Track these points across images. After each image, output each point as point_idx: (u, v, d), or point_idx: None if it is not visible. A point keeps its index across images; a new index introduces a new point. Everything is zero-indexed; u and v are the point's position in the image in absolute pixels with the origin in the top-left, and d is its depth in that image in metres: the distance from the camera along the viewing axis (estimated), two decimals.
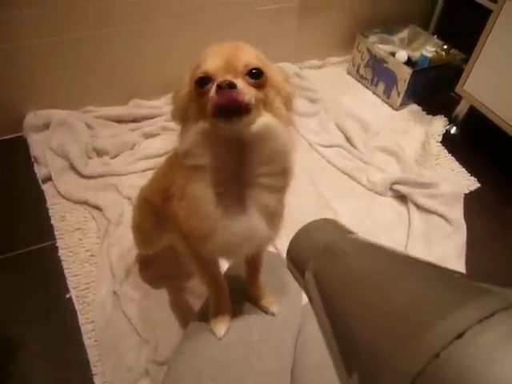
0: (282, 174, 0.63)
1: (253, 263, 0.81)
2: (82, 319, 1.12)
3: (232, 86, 0.50)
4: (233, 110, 0.51)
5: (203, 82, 0.54)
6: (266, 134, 0.56)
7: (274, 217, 0.65)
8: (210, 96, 0.51)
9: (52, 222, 1.33)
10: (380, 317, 0.23)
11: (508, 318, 0.18)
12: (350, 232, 0.34)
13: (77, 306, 1.14)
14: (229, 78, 0.51)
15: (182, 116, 0.61)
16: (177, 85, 0.60)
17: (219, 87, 0.50)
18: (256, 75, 0.54)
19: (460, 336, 0.18)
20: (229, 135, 0.56)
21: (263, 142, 0.57)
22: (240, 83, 0.51)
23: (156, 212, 0.89)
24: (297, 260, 0.34)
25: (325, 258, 0.31)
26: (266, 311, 0.79)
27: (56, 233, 1.31)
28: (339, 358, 0.25)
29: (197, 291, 1.16)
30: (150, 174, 1.47)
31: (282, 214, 0.68)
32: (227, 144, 0.57)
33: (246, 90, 0.51)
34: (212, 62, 0.54)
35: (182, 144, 0.60)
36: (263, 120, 0.56)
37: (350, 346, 0.24)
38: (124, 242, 1.26)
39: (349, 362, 0.24)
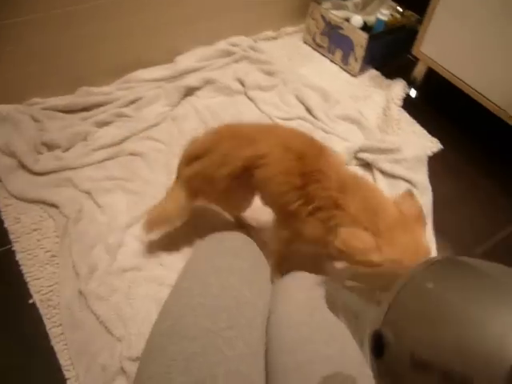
0: None
1: None
2: (48, 324, 1.07)
3: None
4: None
5: None
6: None
7: None
8: None
9: (5, 225, 1.25)
10: None
11: None
12: None
13: (41, 311, 1.09)
14: None
15: None
16: None
17: None
18: None
19: None
20: None
21: None
22: None
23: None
24: None
25: None
26: None
27: (11, 236, 1.23)
28: None
29: (166, 281, 1.13)
30: (107, 165, 1.42)
31: None
32: None
33: None
34: None
35: None
36: None
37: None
38: (85, 239, 1.21)
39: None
